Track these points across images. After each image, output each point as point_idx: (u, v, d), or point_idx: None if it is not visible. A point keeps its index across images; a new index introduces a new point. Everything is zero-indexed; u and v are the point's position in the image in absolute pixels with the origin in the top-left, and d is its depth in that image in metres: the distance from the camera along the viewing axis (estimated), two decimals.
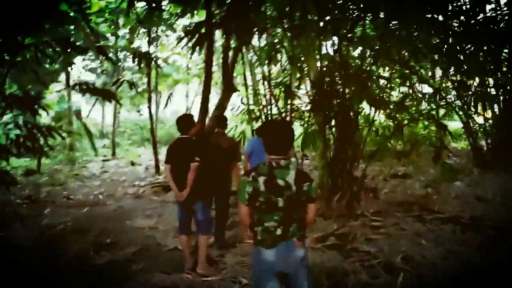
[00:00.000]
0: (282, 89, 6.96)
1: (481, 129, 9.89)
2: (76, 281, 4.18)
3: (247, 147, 6.17)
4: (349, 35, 6.34)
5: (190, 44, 6.15)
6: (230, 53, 6.89)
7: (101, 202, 7.76)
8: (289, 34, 6.77)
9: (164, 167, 4.69)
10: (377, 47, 6.17)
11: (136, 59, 5.58)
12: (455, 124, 10.76)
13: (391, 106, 6.87)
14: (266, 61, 5.57)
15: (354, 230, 5.49)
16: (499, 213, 6.15)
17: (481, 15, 6.26)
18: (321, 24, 6.30)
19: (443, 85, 8.41)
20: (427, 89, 8.36)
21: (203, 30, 5.81)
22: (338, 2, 6.44)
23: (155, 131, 11.86)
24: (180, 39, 6.48)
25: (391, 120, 6.93)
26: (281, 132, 2.63)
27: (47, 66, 9.59)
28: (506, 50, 6.84)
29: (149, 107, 11.45)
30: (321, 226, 5.77)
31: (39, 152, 5.50)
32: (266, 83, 7.14)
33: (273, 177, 2.53)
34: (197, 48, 6.06)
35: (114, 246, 5.23)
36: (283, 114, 7.46)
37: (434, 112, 7.91)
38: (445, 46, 6.46)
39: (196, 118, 4.94)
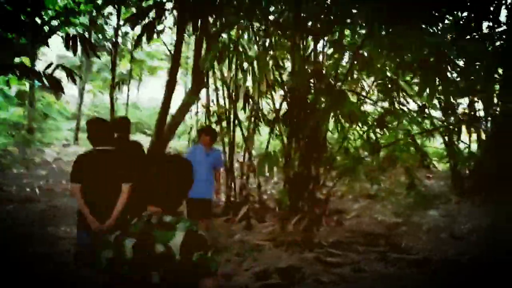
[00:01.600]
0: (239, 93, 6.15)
1: (464, 153, 9.21)
2: None
3: (187, 157, 5.37)
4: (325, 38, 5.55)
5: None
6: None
7: (34, 198, 6.86)
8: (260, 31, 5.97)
9: (70, 186, 3.58)
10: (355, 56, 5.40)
11: (69, 44, 4.66)
12: (437, 143, 10.07)
13: (369, 123, 6.14)
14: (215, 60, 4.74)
15: (304, 266, 4.72)
16: (474, 254, 5.46)
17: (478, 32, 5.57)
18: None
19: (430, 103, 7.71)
20: (411, 105, 7.66)
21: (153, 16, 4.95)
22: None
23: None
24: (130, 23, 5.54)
25: (366, 140, 6.17)
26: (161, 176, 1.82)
27: None
28: (500, 70, 6.16)
29: (111, 94, 10.47)
30: (268, 256, 5.00)
31: None
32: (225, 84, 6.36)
33: (148, 239, 1.71)
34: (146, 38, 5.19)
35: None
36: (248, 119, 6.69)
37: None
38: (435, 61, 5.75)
39: None
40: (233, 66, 5.78)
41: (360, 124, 6.06)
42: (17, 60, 5.71)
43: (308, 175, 6.12)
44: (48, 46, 5.90)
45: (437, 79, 4.97)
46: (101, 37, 12.73)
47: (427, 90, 4.81)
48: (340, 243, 5.56)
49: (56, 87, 5.04)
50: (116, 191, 3.30)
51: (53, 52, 17.14)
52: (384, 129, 6.22)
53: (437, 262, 5.04)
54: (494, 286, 4.21)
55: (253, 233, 5.85)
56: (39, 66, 13.64)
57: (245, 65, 5.07)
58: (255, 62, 4.71)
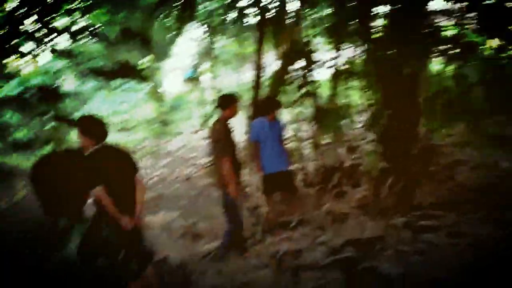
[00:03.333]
0: None
1: None
2: None
3: (252, 133, 5.14)
4: None
5: None
6: None
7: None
8: None
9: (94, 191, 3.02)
10: None
11: None
12: None
13: None
14: None
15: (389, 235, 4.14)
16: None
17: None
18: None
19: None
20: None
21: None
22: None
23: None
24: None
25: None
26: None
27: None
28: None
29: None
30: (350, 226, 4.53)
31: None
32: None
33: None
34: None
35: None
36: None
37: None
38: None
39: None
40: None
41: None
42: None
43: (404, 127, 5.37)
44: None
45: None
46: None
47: None
48: (443, 203, 4.74)
49: None
50: (131, 185, 3.28)
51: None
52: None
53: None
54: None
55: (344, 201, 5.38)
56: None
57: None
58: None
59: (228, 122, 4.33)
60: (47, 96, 6.10)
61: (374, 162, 5.75)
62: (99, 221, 2.74)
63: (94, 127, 3.26)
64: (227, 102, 4.39)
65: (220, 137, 4.19)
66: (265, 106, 5.16)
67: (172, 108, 16.03)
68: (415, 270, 3.48)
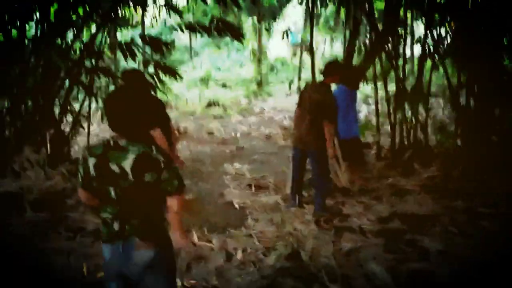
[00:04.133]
0: None
1: None
2: None
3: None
4: None
5: None
6: None
7: (228, 141, 8.07)
8: None
9: None
10: None
11: None
12: None
13: None
14: None
15: (445, 215, 4.18)
16: None
17: None
18: None
19: None
20: None
21: None
22: None
23: None
24: None
25: None
26: (111, 105, 2.10)
27: None
28: None
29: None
30: (409, 201, 4.62)
31: None
32: None
33: (105, 160, 2.07)
34: None
35: None
36: None
37: None
38: None
39: None
40: None
41: None
42: None
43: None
44: None
45: None
46: None
47: None
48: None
49: None
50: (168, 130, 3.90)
51: None
52: None
53: None
54: None
55: (412, 178, 5.39)
56: None
57: None
58: None
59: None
60: (157, 46, 6.72)
61: (450, 143, 5.63)
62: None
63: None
64: (331, 70, 4.51)
65: (330, 101, 4.37)
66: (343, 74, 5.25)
67: (270, 69, 16.50)
68: (456, 251, 3.55)
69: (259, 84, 15.32)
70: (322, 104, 4.29)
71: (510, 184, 4.77)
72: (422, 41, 5.83)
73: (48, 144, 5.59)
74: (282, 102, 13.12)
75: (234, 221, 4.38)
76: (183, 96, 13.26)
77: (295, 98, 14.01)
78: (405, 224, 4.08)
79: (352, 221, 4.24)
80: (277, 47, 19.82)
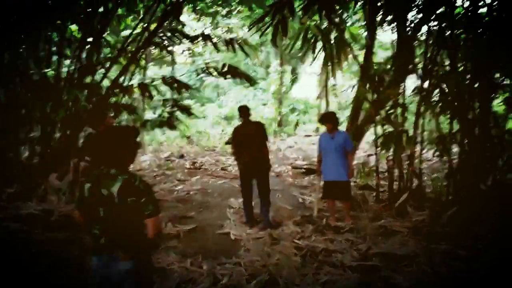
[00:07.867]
0: None
1: None
2: None
3: (318, 144, 5.80)
4: None
5: None
6: None
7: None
8: None
9: None
10: None
11: None
12: None
13: None
14: None
15: (422, 255, 4.44)
16: None
17: None
18: None
19: None
20: None
21: None
22: None
23: None
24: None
25: None
26: (102, 141, 2.62)
27: None
28: None
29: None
30: (393, 241, 4.90)
31: None
32: None
33: (98, 185, 2.57)
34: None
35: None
36: None
37: None
38: None
39: None
40: None
41: None
42: None
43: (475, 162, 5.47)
44: None
45: None
46: None
47: None
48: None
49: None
50: None
51: None
52: None
53: None
54: None
55: (402, 220, 5.67)
56: None
57: None
58: None
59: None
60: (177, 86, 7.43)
61: (441, 189, 5.91)
62: None
63: None
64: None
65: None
66: (324, 120, 5.77)
67: (290, 111, 17.13)
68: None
69: (279, 124, 15.93)
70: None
71: (492, 229, 4.99)
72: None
73: (71, 173, 6.20)
74: (299, 142, 13.60)
75: (228, 251, 4.79)
76: (207, 133, 13.98)
77: (313, 139, 14.51)
78: (383, 262, 4.36)
79: (336, 256, 4.56)
80: (305, 88, 20.46)
